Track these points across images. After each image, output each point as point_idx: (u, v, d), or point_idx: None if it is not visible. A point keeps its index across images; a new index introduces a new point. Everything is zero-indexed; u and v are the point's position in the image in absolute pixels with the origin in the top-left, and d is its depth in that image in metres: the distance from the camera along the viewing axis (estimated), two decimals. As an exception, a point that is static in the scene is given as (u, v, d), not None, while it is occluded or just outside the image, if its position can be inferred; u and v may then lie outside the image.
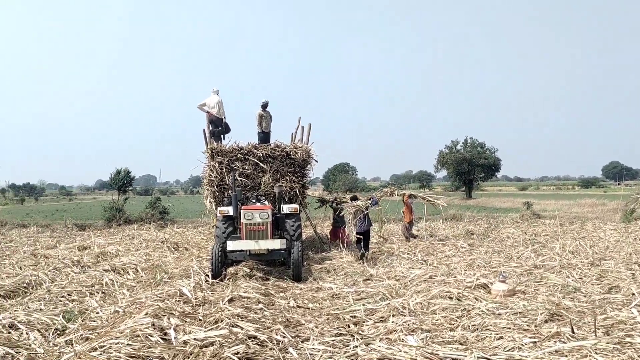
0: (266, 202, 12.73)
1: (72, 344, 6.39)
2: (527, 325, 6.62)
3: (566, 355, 5.51)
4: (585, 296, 8.55)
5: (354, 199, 15.27)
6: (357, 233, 13.64)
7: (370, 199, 14.99)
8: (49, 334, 6.94)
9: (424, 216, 18.12)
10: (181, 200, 71.18)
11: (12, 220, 26.01)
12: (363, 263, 12.50)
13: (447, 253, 13.95)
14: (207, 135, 15.60)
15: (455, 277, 10.04)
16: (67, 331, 7.10)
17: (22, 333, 6.79)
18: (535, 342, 6.02)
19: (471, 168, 62.67)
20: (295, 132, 17.01)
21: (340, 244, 15.28)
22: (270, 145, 15.26)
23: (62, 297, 9.09)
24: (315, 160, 15.58)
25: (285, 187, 14.53)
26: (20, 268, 11.97)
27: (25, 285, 10.06)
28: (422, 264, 12.13)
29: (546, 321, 6.90)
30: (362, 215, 13.71)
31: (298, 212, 13.34)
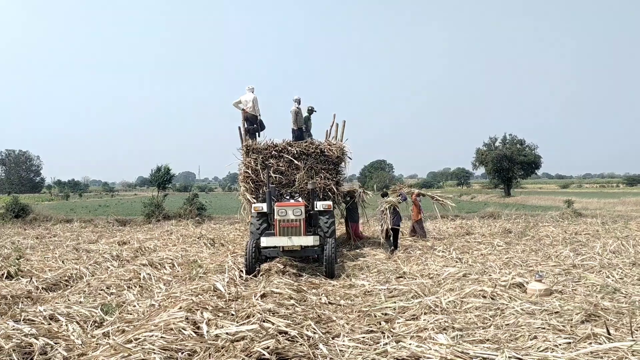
0: (300, 199, 12.79)
1: (108, 336, 6.56)
2: (562, 326, 6.47)
3: (601, 357, 5.36)
4: (625, 297, 8.29)
5: (384, 195, 15.47)
6: (391, 228, 13.92)
7: (399, 195, 15.10)
8: (87, 326, 7.15)
9: (437, 214, 18.01)
10: (219, 196, 72.21)
11: (56, 215, 26.87)
12: (391, 258, 12.55)
13: (483, 251, 13.75)
14: (242, 132, 15.75)
15: (490, 275, 9.88)
16: (104, 323, 7.30)
17: (61, 325, 7.01)
18: (569, 342, 5.88)
19: (510, 165, 61.45)
20: (330, 129, 17.02)
21: (353, 241, 15.60)
22: (304, 142, 15.32)
23: (101, 290, 9.35)
24: (350, 158, 15.60)
25: (319, 184, 14.57)
26: (63, 262, 12.37)
27: (66, 278, 10.40)
28: (457, 262, 11.99)
29: (582, 322, 6.72)
30: (394, 210, 14.03)
31: (332, 209, 13.38)
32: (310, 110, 16.64)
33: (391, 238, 14.31)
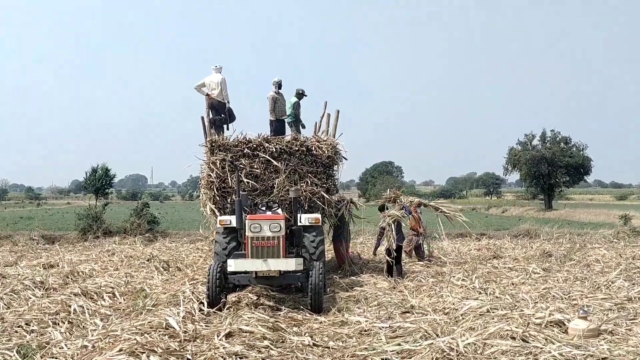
0: (279, 211, 12.80)
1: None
2: (612, 376, 6.52)
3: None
4: (693, 339, 8.36)
5: (383, 208, 15.63)
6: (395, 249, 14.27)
7: (402, 208, 15.22)
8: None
9: (442, 233, 18.09)
10: (177, 207, 71.93)
11: (-37, 229, 26.69)
12: (396, 288, 12.73)
13: (514, 280, 13.85)
14: (207, 124, 15.72)
15: (521, 311, 9.94)
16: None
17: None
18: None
19: (552, 170, 61.62)
20: (320, 121, 17.04)
21: (341, 262, 15.90)
22: (286, 137, 15.33)
23: (19, 327, 9.29)
24: (344, 158, 15.61)
25: (305, 191, 14.58)
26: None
27: (-27, 311, 10.31)
28: (480, 293, 12.05)
29: (637, 371, 6.78)
30: (398, 226, 14.37)
31: (320, 223, 13.36)
32: (300, 94, 16.68)
33: (392, 263, 14.52)
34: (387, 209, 15.59)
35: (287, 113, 16.50)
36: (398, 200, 16.30)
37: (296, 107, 16.54)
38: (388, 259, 14.65)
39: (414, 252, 17.74)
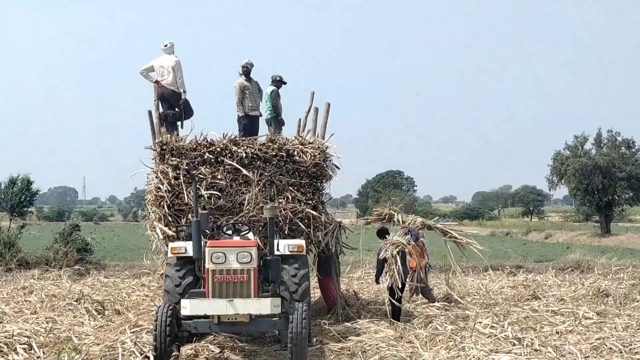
0: (250, 236, 12.77)
1: None
2: None
3: None
4: None
5: (383, 233, 15.71)
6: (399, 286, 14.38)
7: (408, 233, 15.32)
8: None
9: (452, 263, 17.98)
10: (117, 230, 71.60)
11: None
12: (404, 337, 12.74)
13: (560, 327, 13.81)
14: (156, 120, 15.68)
15: (568, 368, 9.94)
16: None
17: None
18: None
19: (610, 183, 61.70)
20: (305, 117, 17.05)
21: (331, 304, 15.85)
22: (259, 138, 15.34)
23: None
24: (337, 166, 15.58)
25: (285, 210, 14.55)
26: None
27: None
28: (514, 344, 12.03)
29: None
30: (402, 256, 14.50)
31: (305, 252, 13.34)
32: (278, 81, 16.76)
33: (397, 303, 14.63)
34: (389, 234, 15.67)
35: (265, 107, 16.53)
36: (396, 220, 16.30)
37: (275, 97, 16.58)
38: (392, 301, 14.64)
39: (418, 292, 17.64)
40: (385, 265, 14.92)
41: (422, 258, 17.15)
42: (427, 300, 17.04)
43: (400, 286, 14.57)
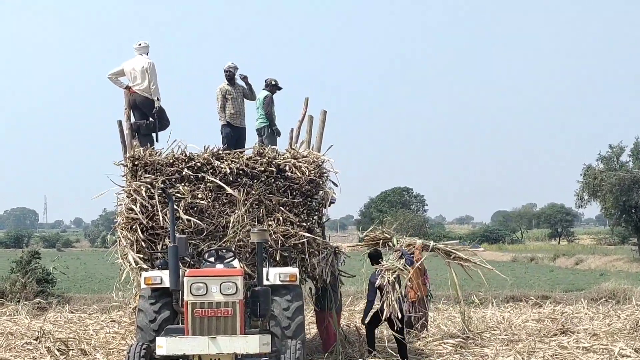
0: (235, 263, 12.77)
1: None
2: None
3: None
4: None
5: (376, 258, 15.81)
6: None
7: (401, 257, 15.66)
8: None
9: (459, 290, 18.02)
10: (83, 257, 71.42)
11: None
12: None
13: (593, 366, 13.82)
14: (127, 131, 15.70)
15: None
16: None
17: None
18: None
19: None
20: (299, 126, 17.09)
21: (329, 342, 15.84)
22: (246, 152, 15.39)
23: None
24: (334, 183, 15.62)
25: (275, 233, 14.55)
26: None
27: None
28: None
29: None
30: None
31: (298, 282, 13.34)
32: (273, 86, 16.90)
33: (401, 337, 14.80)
34: (382, 258, 15.82)
35: (256, 114, 16.62)
36: (390, 244, 16.35)
37: (268, 104, 16.69)
38: (395, 335, 14.72)
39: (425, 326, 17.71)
40: (381, 293, 15.03)
41: (423, 286, 17.21)
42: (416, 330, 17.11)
43: (399, 317, 14.62)
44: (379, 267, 15.41)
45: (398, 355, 14.77)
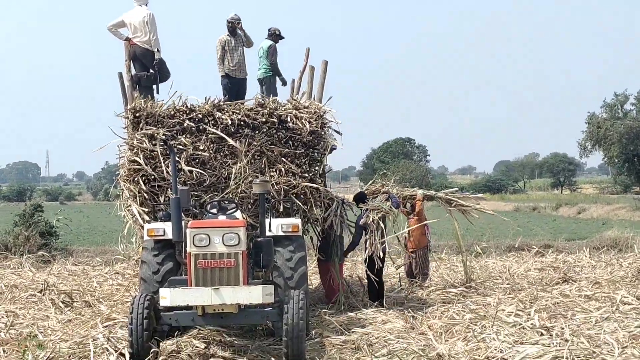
0: (238, 214, 12.79)
1: None
2: None
3: None
4: None
5: (362, 199, 16.09)
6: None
7: (388, 199, 15.89)
8: None
9: (460, 240, 18.17)
10: (86, 210, 71.55)
11: None
12: (416, 328, 12.95)
13: (594, 314, 13.89)
14: (127, 83, 15.67)
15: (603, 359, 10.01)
16: None
17: None
18: None
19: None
20: (300, 77, 17.04)
21: (332, 293, 15.96)
22: (247, 102, 15.38)
23: None
24: (338, 132, 15.63)
25: (278, 184, 14.56)
26: None
27: None
28: (542, 334, 12.09)
29: None
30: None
31: (301, 233, 13.39)
32: (277, 36, 16.95)
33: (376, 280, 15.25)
34: (367, 198, 16.12)
35: (259, 64, 16.59)
36: (383, 195, 16.42)
37: (272, 53, 16.63)
38: (371, 275, 15.21)
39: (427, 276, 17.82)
40: (366, 233, 15.28)
41: (423, 236, 17.24)
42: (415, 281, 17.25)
43: (381, 256, 15.06)
44: (364, 206, 15.65)
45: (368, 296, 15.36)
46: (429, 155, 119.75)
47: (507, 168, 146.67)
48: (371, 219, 15.13)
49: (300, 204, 14.69)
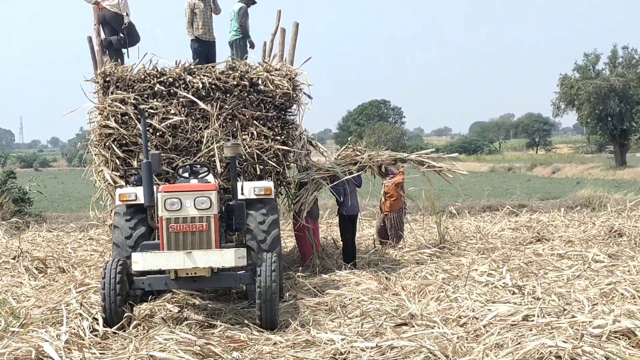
0: (210, 178, 12.81)
1: None
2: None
3: None
4: None
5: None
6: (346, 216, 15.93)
7: (386, 171, 16.60)
8: None
9: (432, 201, 18.38)
10: (60, 177, 71.29)
11: None
12: (389, 289, 13.17)
13: (566, 272, 14.03)
14: (97, 48, 15.59)
15: (573, 317, 10.10)
16: None
17: None
18: None
19: (626, 108, 61.91)
20: (272, 39, 16.98)
21: (306, 255, 16.23)
22: (218, 65, 15.33)
23: None
24: (308, 96, 15.60)
25: (249, 147, 14.55)
26: None
27: None
28: (514, 293, 12.20)
29: None
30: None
31: (273, 196, 13.42)
32: (248, 1, 16.76)
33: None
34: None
35: (230, 26, 16.55)
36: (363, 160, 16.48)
37: (243, 15, 16.59)
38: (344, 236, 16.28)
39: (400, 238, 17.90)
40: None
41: (398, 200, 17.26)
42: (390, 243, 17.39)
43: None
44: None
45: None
46: (405, 117, 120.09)
47: (483, 129, 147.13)
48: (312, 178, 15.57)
49: (274, 164, 14.68)
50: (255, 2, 17.03)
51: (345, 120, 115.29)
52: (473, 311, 10.89)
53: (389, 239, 17.54)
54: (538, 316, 10.24)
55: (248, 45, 16.89)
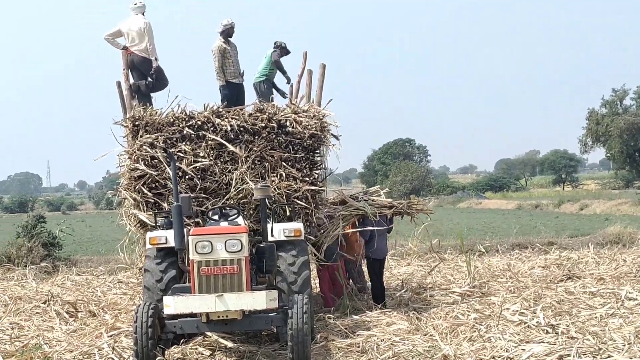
0: (240, 221, 12.80)
1: None
2: None
3: None
4: None
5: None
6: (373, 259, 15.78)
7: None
8: None
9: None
10: (88, 220, 71.51)
11: None
12: (421, 329, 12.93)
13: (599, 310, 13.87)
14: (126, 92, 15.67)
15: (609, 356, 10.00)
16: None
17: None
18: None
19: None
20: (298, 80, 17.06)
21: (334, 297, 16.05)
22: (246, 108, 15.36)
23: None
24: (335, 136, 15.57)
25: (279, 189, 14.55)
26: None
27: None
28: (547, 332, 12.09)
29: None
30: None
31: (303, 237, 13.39)
32: (282, 49, 17.10)
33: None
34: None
35: (260, 69, 16.71)
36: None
37: (275, 57, 16.76)
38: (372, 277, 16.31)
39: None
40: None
41: (354, 244, 16.72)
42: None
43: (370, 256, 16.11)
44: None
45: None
46: (430, 156, 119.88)
47: (508, 166, 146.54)
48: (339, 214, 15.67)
49: (304, 205, 14.63)
50: (289, 52, 17.14)
51: (370, 159, 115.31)
52: (507, 351, 10.81)
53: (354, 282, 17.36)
54: (574, 356, 10.15)
55: (285, 80, 17.05)
